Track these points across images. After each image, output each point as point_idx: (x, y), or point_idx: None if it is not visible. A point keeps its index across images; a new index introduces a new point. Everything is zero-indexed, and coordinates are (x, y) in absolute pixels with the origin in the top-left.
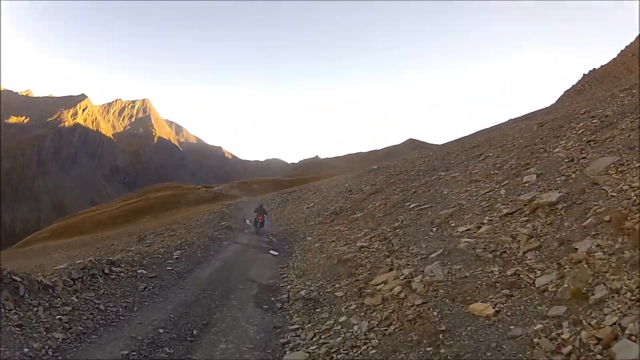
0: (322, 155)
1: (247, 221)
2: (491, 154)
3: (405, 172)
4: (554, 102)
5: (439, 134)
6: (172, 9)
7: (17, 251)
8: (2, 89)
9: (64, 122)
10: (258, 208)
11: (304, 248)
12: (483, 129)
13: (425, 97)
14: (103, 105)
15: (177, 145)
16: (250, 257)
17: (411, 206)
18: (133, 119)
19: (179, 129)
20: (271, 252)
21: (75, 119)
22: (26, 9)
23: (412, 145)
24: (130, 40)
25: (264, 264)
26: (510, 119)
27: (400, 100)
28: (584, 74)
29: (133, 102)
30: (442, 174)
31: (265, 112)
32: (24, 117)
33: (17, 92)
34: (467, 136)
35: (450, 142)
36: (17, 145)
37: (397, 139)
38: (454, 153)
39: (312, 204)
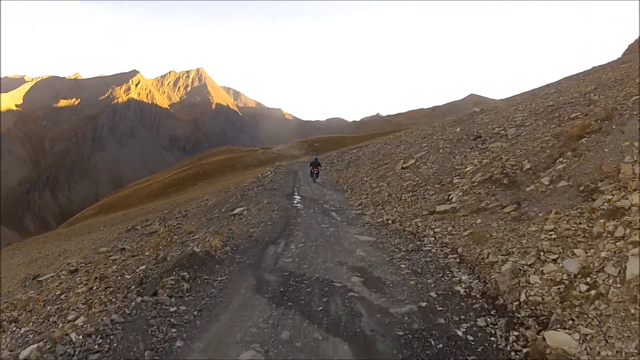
0: (384, 113)
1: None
2: None
3: None
4: (620, 56)
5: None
6: None
7: (57, 233)
8: (47, 76)
9: (117, 98)
10: (313, 161)
11: None
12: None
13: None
14: (156, 78)
15: (236, 110)
16: None
17: None
18: (189, 89)
19: (236, 95)
20: None
21: (128, 94)
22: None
23: (474, 100)
24: (174, 14)
25: None
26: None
27: (462, 54)
28: None
29: (187, 72)
30: None
31: (325, 70)
32: (74, 99)
33: (64, 77)
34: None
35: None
36: (70, 126)
37: (459, 94)
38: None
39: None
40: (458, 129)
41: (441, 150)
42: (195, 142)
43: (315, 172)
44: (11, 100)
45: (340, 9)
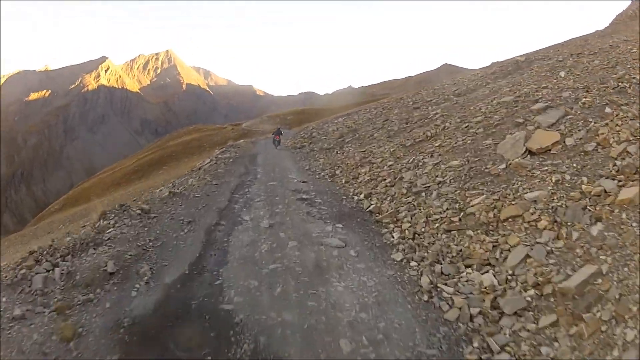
0: (356, 85)
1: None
2: None
3: None
4: (607, 26)
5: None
6: None
7: (21, 235)
8: (17, 71)
9: (87, 86)
10: (276, 130)
11: None
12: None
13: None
14: (126, 62)
15: (207, 89)
16: None
17: None
18: (159, 71)
19: (207, 74)
20: None
21: (98, 81)
22: None
23: (448, 70)
24: None
25: None
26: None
27: (433, 23)
28: None
29: (156, 54)
30: None
31: (297, 45)
32: (44, 91)
33: (34, 70)
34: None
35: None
36: (41, 119)
37: (432, 64)
38: None
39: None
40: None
41: None
42: (167, 124)
43: (277, 139)
44: None
45: None
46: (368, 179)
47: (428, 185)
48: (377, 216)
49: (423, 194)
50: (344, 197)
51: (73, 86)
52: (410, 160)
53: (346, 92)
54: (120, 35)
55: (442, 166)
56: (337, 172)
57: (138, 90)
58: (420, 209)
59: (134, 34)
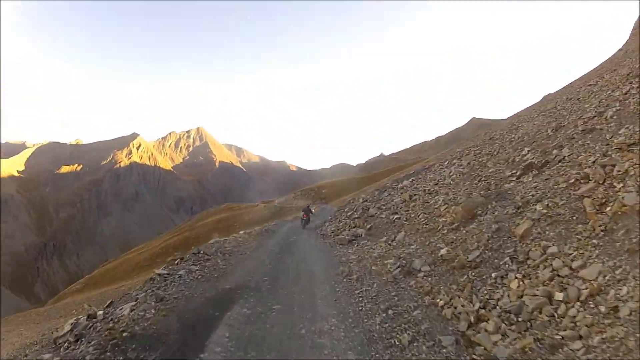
0: (387, 152)
1: None
2: None
3: None
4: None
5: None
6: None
7: (37, 312)
8: (47, 142)
9: (119, 162)
10: (305, 208)
11: None
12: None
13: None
14: (157, 140)
15: (240, 166)
16: None
17: None
18: (190, 149)
19: (239, 151)
20: None
21: (130, 157)
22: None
23: (477, 124)
24: (173, 76)
25: None
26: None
27: (457, 80)
28: None
29: (187, 132)
30: None
31: (324, 118)
32: (75, 164)
33: (65, 143)
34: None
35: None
36: (73, 192)
37: (460, 121)
38: None
39: None
40: None
41: None
42: (202, 201)
43: (305, 218)
44: (13, 166)
45: (322, 53)
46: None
47: None
48: None
49: None
50: None
51: (105, 162)
52: None
53: (378, 161)
54: (150, 112)
55: None
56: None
57: (171, 168)
58: None
59: (164, 112)
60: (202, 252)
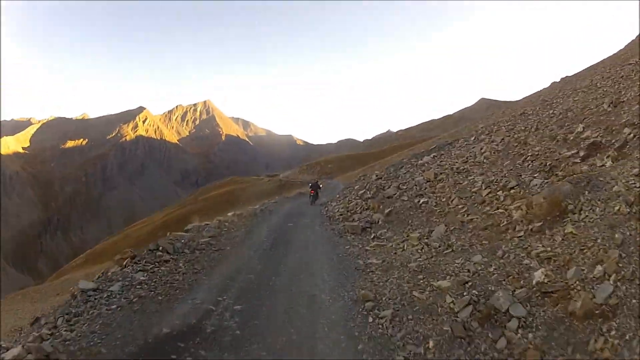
0: (394, 128)
1: None
2: None
3: None
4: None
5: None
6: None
7: (35, 290)
8: (53, 117)
9: (125, 136)
10: (313, 184)
11: None
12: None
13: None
14: (164, 113)
15: (247, 140)
16: None
17: None
18: (197, 122)
19: (246, 124)
20: None
21: (136, 131)
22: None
23: (486, 105)
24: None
25: None
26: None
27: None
28: None
29: (194, 105)
30: None
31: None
32: (81, 139)
33: (71, 118)
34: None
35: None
36: (79, 167)
37: (469, 101)
38: None
39: None
40: None
41: None
42: (208, 175)
43: (312, 194)
44: (18, 142)
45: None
46: None
47: None
48: None
49: None
50: None
51: (110, 136)
52: None
53: (386, 137)
54: (157, 84)
55: None
56: None
57: (177, 141)
58: None
59: (171, 84)
60: (161, 248)
